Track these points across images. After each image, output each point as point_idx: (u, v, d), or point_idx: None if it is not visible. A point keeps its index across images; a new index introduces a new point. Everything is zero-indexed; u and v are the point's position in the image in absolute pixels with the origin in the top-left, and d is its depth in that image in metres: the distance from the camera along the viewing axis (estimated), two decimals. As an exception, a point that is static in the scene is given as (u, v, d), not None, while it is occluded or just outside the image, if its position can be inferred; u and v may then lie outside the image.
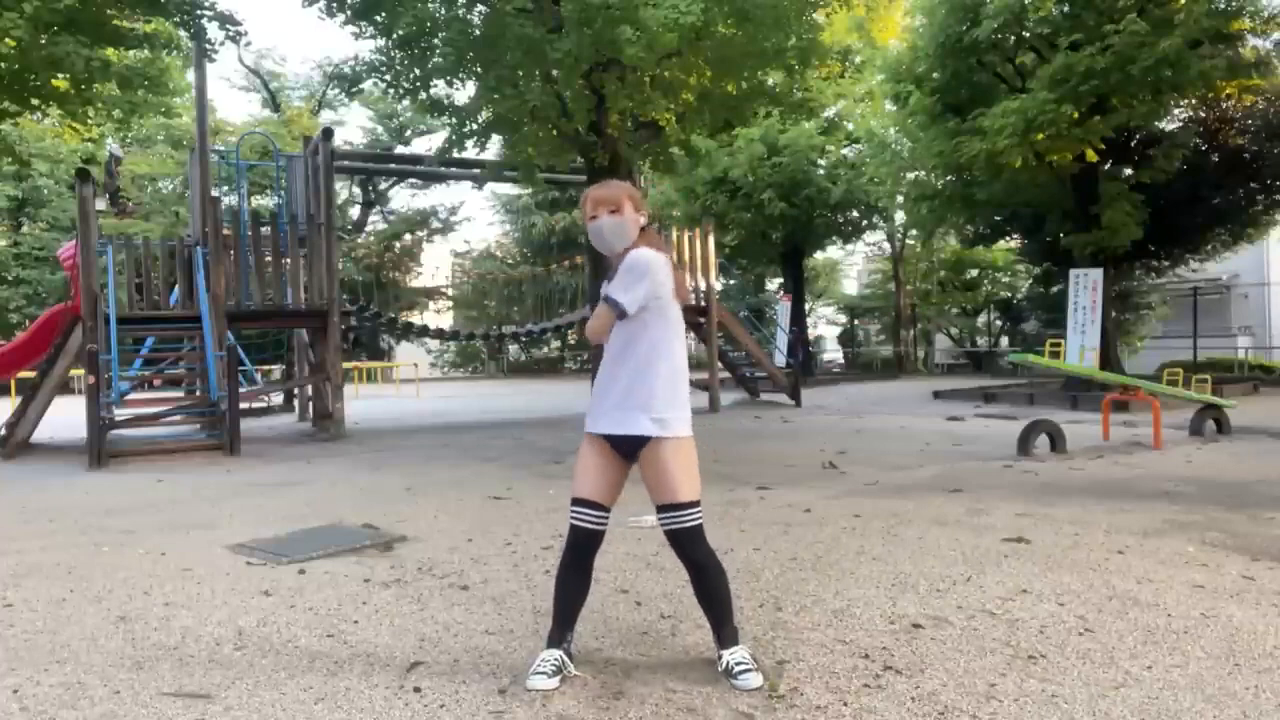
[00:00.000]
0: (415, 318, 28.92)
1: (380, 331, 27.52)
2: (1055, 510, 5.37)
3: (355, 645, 3.16)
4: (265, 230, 11.49)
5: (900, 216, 23.33)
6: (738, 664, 2.70)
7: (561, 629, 2.83)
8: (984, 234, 20.44)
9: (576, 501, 2.81)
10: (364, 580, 4.04)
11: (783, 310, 22.48)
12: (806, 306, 27.04)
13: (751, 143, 19.72)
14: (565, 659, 2.79)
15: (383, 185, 34.03)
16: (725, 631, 2.79)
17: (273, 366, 21.90)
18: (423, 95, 10.17)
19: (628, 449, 2.79)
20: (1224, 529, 4.78)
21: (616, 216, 2.77)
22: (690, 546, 2.74)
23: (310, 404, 13.37)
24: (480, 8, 9.92)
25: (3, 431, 10.19)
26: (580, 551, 2.82)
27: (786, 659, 2.92)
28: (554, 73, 9.09)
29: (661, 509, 2.75)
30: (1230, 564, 4.04)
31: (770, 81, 11.17)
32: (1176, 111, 15.77)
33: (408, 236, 34.10)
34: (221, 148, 17.64)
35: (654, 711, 2.53)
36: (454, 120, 10.52)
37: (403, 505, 6.03)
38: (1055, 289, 20.21)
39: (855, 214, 22.54)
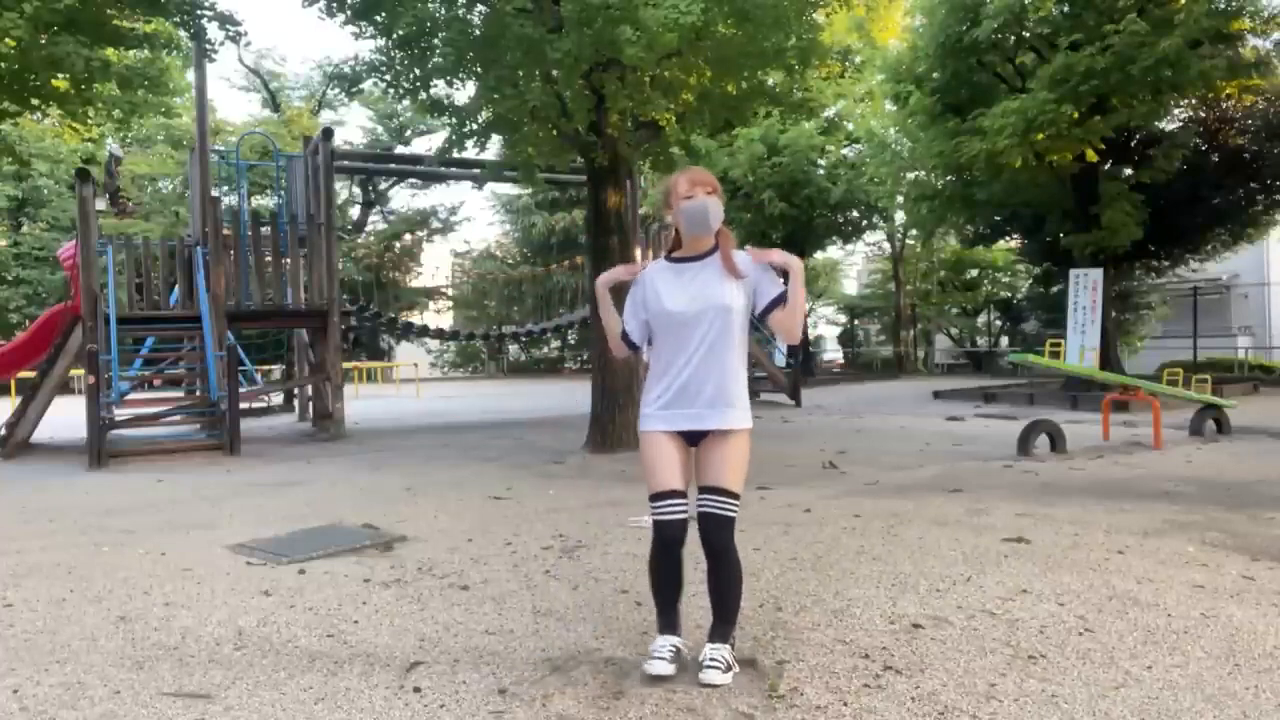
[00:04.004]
0: (415, 318, 28.91)
1: (380, 331, 27.52)
2: (1055, 510, 5.37)
3: (355, 645, 3.16)
4: (265, 230, 11.49)
5: (900, 216, 23.32)
6: (710, 660, 2.72)
7: (667, 615, 2.84)
8: (984, 234, 20.43)
9: (663, 496, 2.76)
10: (364, 580, 4.04)
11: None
12: (807, 306, 27.02)
13: (751, 143, 19.71)
14: (681, 645, 2.81)
15: (383, 185, 34.01)
16: (722, 629, 2.80)
17: (273, 366, 21.89)
18: (423, 95, 10.13)
19: (694, 438, 2.81)
20: (1224, 529, 4.78)
21: (715, 197, 2.81)
22: (725, 535, 2.75)
23: (310, 404, 13.37)
24: (480, 8, 9.90)
25: (3, 431, 10.19)
26: (673, 546, 2.80)
27: (786, 659, 2.92)
28: (554, 73, 9.06)
29: (711, 490, 2.75)
30: (1230, 564, 4.04)
31: (770, 81, 11.14)
32: (1176, 111, 15.76)
33: (408, 236, 34.08)
34: (221, 148, 17.63)
35: (654, 711, 2.53)
36: (454, 120, 10.49)
37: (403, 505, 6.03)
38: (1055, 289, 20.20)
39: (855, 214, 22.54)
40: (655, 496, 2.79)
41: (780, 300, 2.80)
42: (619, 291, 2.98)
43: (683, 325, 2.77)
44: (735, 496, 2.76)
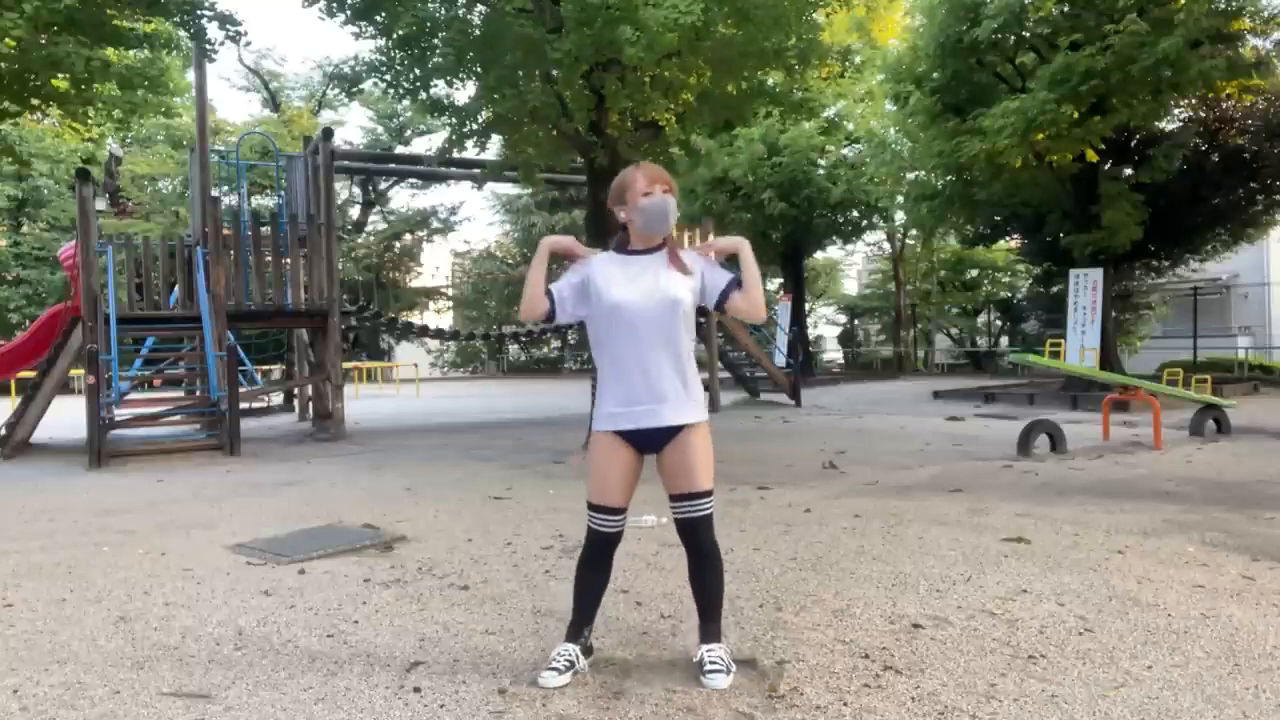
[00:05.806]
0: (415, 318, 28.88)
1: (380, 331, 27.48)
2: (1055, 510, 5.37)
3: (355, 645, 3.16)
4: (265, 230, 11.49)
5: (900, 216, 23.32)
6: (710, 663, 2.72)
7: (579, 624, 2.84)
8: (984, 234, 20.43)
9: (599, 509, 2.78)
10: (364, 580, 4.04)
11: (783, 310, 22.48)
12: (806, 306, 27.03)
13: (751, 143, 19.70)
14: (579, 655, 2.80)
15: (383, 185, 33.98)
16: (711, 627, 2.81)
17: (273, 366, 21.89)
18: (423, 95, 10.14)
19: (650, 443, 2.78)
20: (1224, 529, 4.78)
21: (672, 196, 2.77)
22: (706, 534, 2.76)
23: (310, 404, 13.37)
24: (480, 8, 9.91)
25: (3, 431, 10.19)
26: (602, 553, 2.83)
27: (786, 659, 2.92)
28: (554, 73, 9.07)
29: (683, 497, 2.75)
30: (1230, 564, 4.04)
31: (770, 81, 11.16)
32: (1176, 111, 15.75)
33: (408, 236, 34.08)
34: (221, 148, 17.64)
35: (654, 711, 2.53)
36: (454, 120, 10.50)
37: (403, 505, 6.03)
38: (1055, 289, 20.20)
39: (855, 214, 22.52)
40: (595, 507, 2.79)
41: (735, 284, 2.81)
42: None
43: (632, 319, 2.72)
44: (708, 494, 2.77)
